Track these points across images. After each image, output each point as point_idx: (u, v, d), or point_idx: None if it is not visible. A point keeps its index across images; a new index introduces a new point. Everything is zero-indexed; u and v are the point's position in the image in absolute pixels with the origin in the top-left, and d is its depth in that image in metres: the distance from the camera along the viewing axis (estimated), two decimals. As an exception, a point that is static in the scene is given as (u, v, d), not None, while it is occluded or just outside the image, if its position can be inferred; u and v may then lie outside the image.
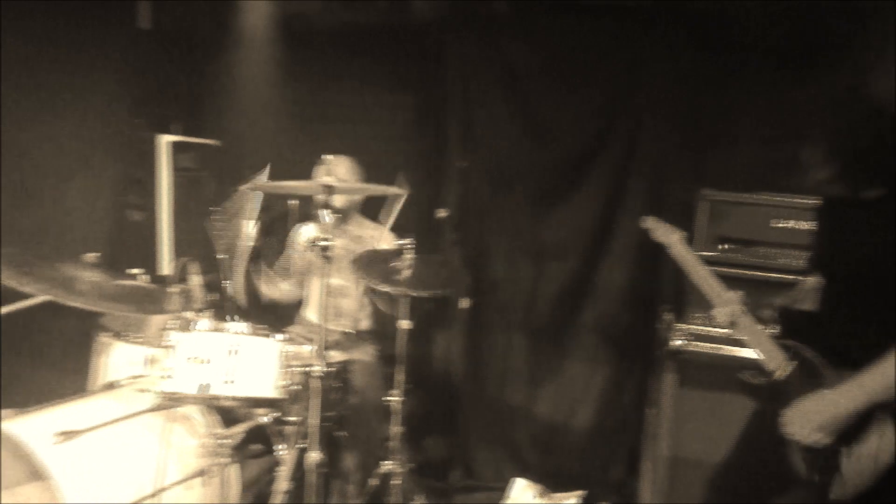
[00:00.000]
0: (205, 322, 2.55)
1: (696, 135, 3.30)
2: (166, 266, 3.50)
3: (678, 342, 2.98)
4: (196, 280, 2.66)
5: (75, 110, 3.38)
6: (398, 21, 3.56)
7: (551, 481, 3.27)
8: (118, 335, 2.82)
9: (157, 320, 2.88)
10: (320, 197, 2.61)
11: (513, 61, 3.49)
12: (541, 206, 3.53)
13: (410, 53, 3.57)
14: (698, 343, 2.97)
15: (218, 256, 3.14)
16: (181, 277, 2.65)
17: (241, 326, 2.56)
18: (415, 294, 2.81)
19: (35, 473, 2.37)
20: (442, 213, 3.37)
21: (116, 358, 2.81)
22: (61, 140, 3.36)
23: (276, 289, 3.30)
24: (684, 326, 3.00)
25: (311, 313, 3.31)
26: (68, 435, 2.29)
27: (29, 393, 2.72)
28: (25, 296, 2.54)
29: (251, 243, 3.10)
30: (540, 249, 3.55)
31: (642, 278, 3.40)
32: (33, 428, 2.30)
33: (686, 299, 2.99)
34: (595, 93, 3.44)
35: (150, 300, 2.77)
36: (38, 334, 3.12)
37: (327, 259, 2.57)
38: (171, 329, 2.54)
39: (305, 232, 3.34)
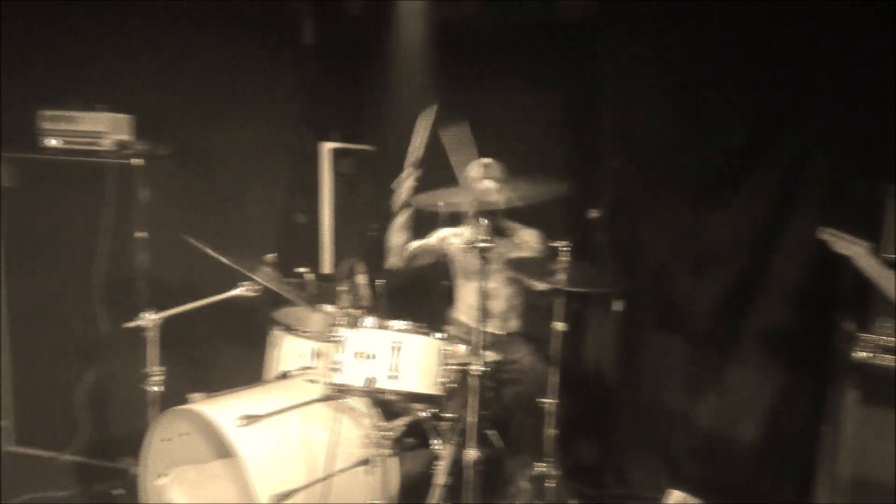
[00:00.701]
0: (370, 319, 2.78)
1: (882, 124, 3.08)
2: (328, 265, 3.78)
3: (862, 354, 2.84)
4: (362, 279, 2.89)
5: (252, 122, 3.72)
6: (550, 20, 3.61)
7: (711, 496, 3.23)
8: (289, 329, 3.13)
9: (322, 316, 3.13)
10: (477, 199, 2.75)
11: (670, 56, 3.43)
12: (702, 204, 3.45)
13: (563, 52, 3.59)
14: (886, 356, 2.82)
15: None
16: (348, 276, 2.86)
17: (403, 324, 2.78)
18: (570, 290, 2.84)
19: (222, 451, 2.69)
20: (594, 214, 3.44)
21: (288, 350, 3.11)
22: (241, 149, 3.72)
23: (400, 244, 3.39)
24: (870, 337, 2.85)
25: (462, 315, 3.45)
26: (251, 419, 2.60)
27: (216, 378, 3.07)
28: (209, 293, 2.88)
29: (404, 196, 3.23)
30: (700, 250, 3.48)
31: (817, 282, 3.25)
32: (221, 411, 2.63)
33: (871, 307, 2.84)
34: (762, 83, 3.31)
35: (319, 295, 3.11)
36: (222, 327, 3.49)
37: (486, 261, 2.73)
38: (339, 325, 2.79)
39: (449, 234, 3.44)
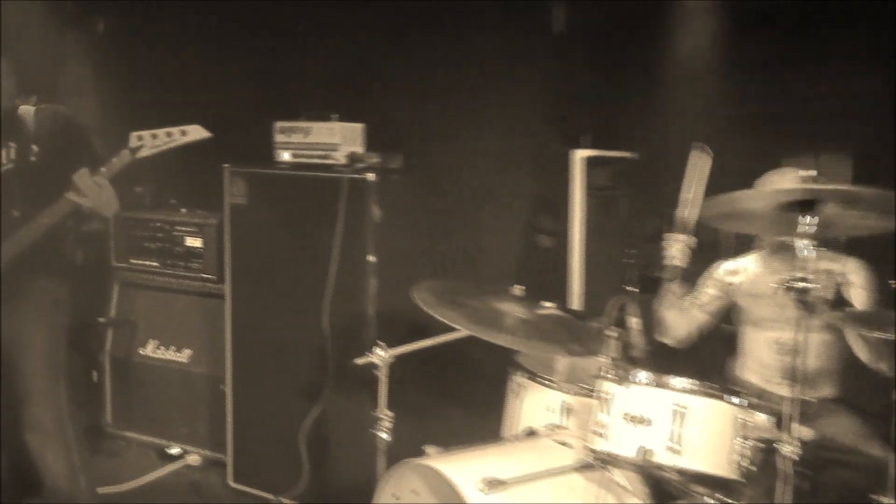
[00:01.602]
0: (644, 374, 2.48)
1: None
2: (578, 299, 3.53)
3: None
4: (634, 323, 2.60)
5: (490, 128, 3.63)
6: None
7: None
8: (534, 377, 2.92)
9: (570, 362, 2.93)
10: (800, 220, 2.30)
11: None
12: None
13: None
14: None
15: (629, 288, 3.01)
16: (617, 318, 2.58)
17: (688, 382, 2.44)
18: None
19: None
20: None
21: (532, 402, 2.91)
22: (477, 160, 3.65)
23: (683, 319, 3.04)
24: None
25: (750, 373, 3.01)
26: (495, 484, 2.37)
27: (447, 427, 2.99)
28: (444, 328, 2.73)
29: (677, 263, 2.91)
30: None
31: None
32: (461, 471, 2.44)
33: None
34: None
35: (576, 340, 2.84)
36: (455, 369, 3.36)
37: (807, 306, 2.26)
38: (604, 378, 2.52)
39: (729, 271, 3.06)
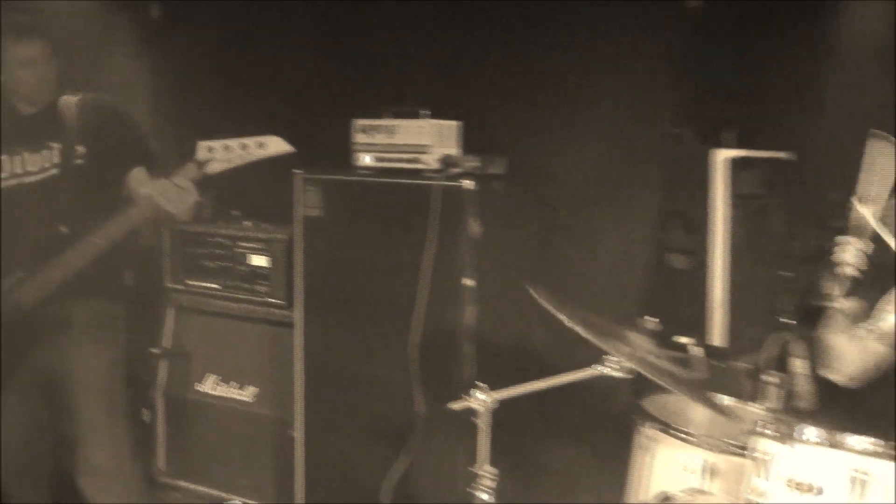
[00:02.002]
0: (813, 430, 2.46)
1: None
2: (721, 334, 3.45)
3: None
4: (799, 365, 2.56)
5: (607, 124, 3.60)
6: None
7: None
8: (667, 429, 2.91)
9: (716, 413, 2.86)
10: None
11: None
12: None
13: None
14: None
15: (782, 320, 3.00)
16: (776, 358, 2.51)
17: (867, 441, 2.40)
18: None
19: None
20: None
21: (665, 459, 2.91)
22: (592, 163, 3.62)
23: (856, 349, 2.89)
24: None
25: None
26: None
27: (559, 489, 3.04)
28: (556, 367, 2.71)
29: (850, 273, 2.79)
30: None
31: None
32: None
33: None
34: None
35: (721, 385, 2.89)
36: (571, 416, 3.34)
37: None
38: (761, 434, 2.50)
39: None
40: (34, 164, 3.04)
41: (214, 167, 2.76)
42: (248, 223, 4.09)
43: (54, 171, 3.02)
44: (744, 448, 2.56)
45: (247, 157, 2.76)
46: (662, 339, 2.94)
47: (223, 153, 2.75)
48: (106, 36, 4.27)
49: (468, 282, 3.19)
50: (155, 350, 4.20)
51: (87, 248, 2.86)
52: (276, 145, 2.76)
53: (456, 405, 2.74)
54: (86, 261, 2.86)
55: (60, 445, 3.01)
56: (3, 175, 3.02)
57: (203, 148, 2.75)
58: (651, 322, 2.78)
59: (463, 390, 2.74)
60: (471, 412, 2.71)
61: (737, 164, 3.54)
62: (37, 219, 2.99)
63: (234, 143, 2.75)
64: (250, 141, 2.74)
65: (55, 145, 3.03)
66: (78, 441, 2.96)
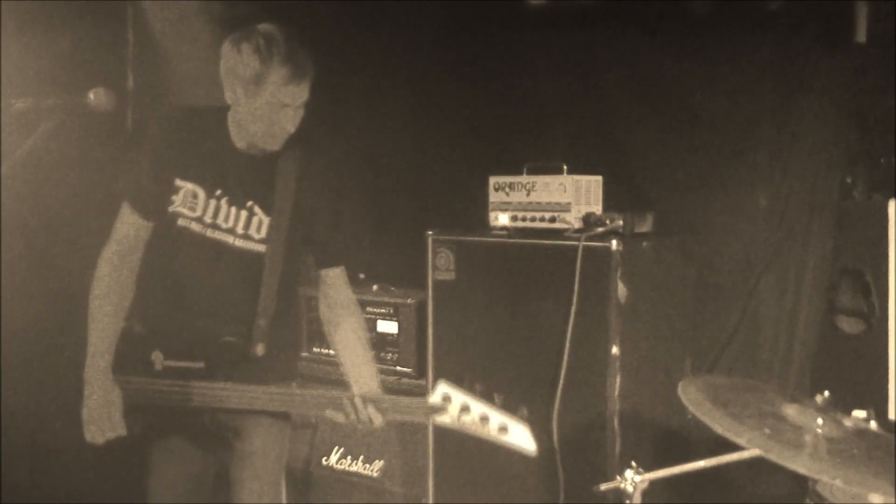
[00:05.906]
0: None
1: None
2: None
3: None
4: None
5: (763, 173, 3.59)
6: None
7: None
8: None
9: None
10: None
11: None
12: None
13: None
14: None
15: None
16: None
17: None
18: None
19: None
20: None
21: None
22: (748, 218, 3.62)
23: None
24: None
25: None
26: None
27: None
28: (716, 445, 2.60)
29: None
30: None
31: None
32: None
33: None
34: None
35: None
36: (732, 500, 3.24)
37: None
38: None
39: None
40: (235, 221, 2.76)
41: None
42: (375, 287, 4.15)
43: (260, 248, 2.76)
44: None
45: (479, 433, 2.62)
46: (836, 413, 2.76)
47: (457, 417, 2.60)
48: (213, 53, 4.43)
49: (615, 350, 3.17)
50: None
51: (283, 398, 2.86)
52: (517, 436, 2.61)
53: (604, 487, 2.70)
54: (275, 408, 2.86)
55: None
56: (194, 214, 2.75)
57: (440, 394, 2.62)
58: (823, 398, 2.63)
59: (610, 469, 2.73)
60: (621, 494, 2.65)
61: (918, 217, 3.53)
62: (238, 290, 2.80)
63: (470, 419, 2.58)
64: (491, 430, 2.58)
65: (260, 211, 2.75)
66: None
